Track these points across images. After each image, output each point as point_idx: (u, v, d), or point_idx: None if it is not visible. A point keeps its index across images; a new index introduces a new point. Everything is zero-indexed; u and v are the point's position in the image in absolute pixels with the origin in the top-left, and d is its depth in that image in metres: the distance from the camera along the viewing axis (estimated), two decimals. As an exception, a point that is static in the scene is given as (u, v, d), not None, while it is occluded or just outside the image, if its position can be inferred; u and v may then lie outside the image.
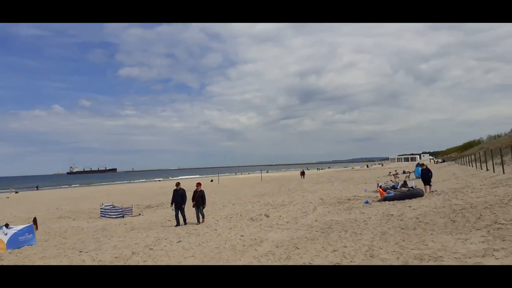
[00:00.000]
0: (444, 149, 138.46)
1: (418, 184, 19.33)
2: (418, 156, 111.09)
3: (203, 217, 13.95)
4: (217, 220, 14.04)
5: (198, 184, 14.53)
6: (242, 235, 10.42)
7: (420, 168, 20.68)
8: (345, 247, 7.74)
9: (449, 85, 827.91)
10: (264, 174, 71.51)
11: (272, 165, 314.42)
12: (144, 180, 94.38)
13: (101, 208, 19.64)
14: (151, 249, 9.60)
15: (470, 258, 5.88)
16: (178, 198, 13.79)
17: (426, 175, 17.04)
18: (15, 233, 11.28)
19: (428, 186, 16.71)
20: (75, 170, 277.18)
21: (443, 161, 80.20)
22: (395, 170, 46.61)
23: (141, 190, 43.94)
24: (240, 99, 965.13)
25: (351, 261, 6.65)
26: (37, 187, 72.91)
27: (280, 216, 13.54)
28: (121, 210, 18.58)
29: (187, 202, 14.06)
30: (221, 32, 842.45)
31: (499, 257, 5.68)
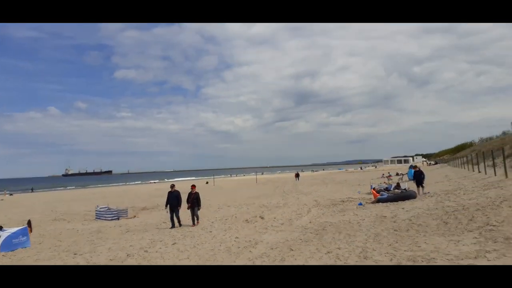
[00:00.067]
0: (437, 151, 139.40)
1: (411, 186, 19.48)
2: (411, 158, 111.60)
3: (197, 219, 13.97)
4: (212, 222, 14.06)
5: (193, 187, 14.55)
6: (237, 237, 10.45)
7: (413, 170, 20.82)
8: (339, 248, 7.81)
9: (441, 87, 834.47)
10: (259, 176, 71.47)
11: (267, 167, 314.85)
12: (139, 182, 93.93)
13: (96, 210, 19.56)
14: (146, 251, 9.59)
15: (462, 259, 5.96)
16: (173, 200, 13.80)
17: (419, 177, 17.18)
18: (9, 235, 11.20)
19: (421, 188, 16.85)
20: (70, 172, 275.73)
21: (436, 163, 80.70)
22: (389, 172, 46.81)
23: (136, 192, 43.76)
24: (235, 101, 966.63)
25: (344, 263, 6.72)
26: (32, 189, 72.21)
27: (275, 218, 13.58)
28: (116, 212, 18.51)
29: (182, 205, 14.07)
30: (216, 34, 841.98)
31: (491, 259, 5.77)
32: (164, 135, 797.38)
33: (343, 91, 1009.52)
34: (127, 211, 19.29)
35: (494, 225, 7.79)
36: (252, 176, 77.88)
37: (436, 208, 11.21)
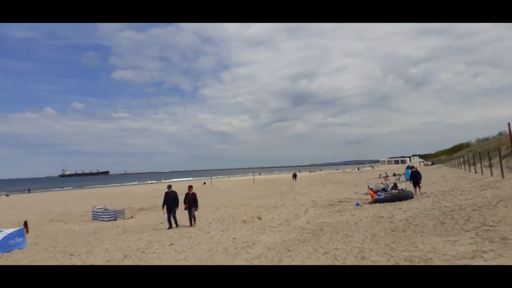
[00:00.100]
0: (434, 151, 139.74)
1: (408, 186, 19.53)
2: (408, 159, 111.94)
3: (194, 220, 13.92)
4: (210, 223, 14.03)
5: (190, 187, 14.49)
6: (235, 238, 10.44)
7: (410, 171, 20.92)
8: (336, 249, 7.82)
9: (438, 88, 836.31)
10: (257, 177, 71.51)
11: (264, 167, 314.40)
12: (136, 182, 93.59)
13: (93, 211, 19.48)
14: (143, 252, 9.56)
15: (459, 260, 5.98)
16: (170, 201, 13.75)
17: (416, 178, 17.24)
18: (5, 236, 11.13)
19: (417, 188, 16.90)
20: (67, 172, 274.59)
21: (433, 163, 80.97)
22: (386, 173, 46.96)
23: (133, 192, 43.63)
24: (232, 102, 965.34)
25: (342, 263, 6.72)
26: (28, 190, 71.87)
27: (272, 219, 13.58)
28: (113, 213, 18.44)
29: (179, 205, 14.03)
30: (214, 35, 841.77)
31: (487, 259, 5.79)
32: (162, 136, 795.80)
33: (340, 92, 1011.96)
34: (124, 212, 19.23)
35: (490, 225, 7.82)
36: (249, 177, 77.86)
37: (433, 209, 11.25)
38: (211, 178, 65.57)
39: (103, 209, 19.42)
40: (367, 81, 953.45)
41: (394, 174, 43.10)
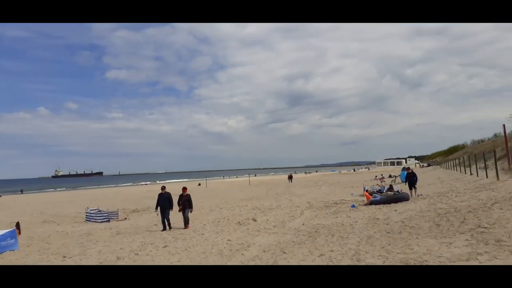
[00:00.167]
0: (429, 153, 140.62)
1: (404, 188, 19.57)
2: (404, 160, 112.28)
3: (187, 222, 13.77)
4: (204, 225, 13.95)
5: (184, 189, 14.37)
6: (229, 240, 10.37)
7: (405, 172, 20.95)
8: (332, 251, 7.78)
9: (434, 89, 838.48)
10: (252, 178, 71.41)
11: (260, 168, 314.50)
12: (130, 184, 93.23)
13: (86, 212, 19.31)
14: (136, 254, 9.48)
15: (454, 262, 5.96)
16: (164, 202, 13.63)
17: (411, 179, 17.26)
18: (-4, 238, 11.01)
19: (413, 190, 16.93)
20: (60, 173, 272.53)
21: (428, 165, 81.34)
22: (381, 174, 47.07)
23: (127, 194, 43.43)
24: (228, 102, 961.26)
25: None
26: (21, 190, 71.34)
27: (267, 220, 13.53)
28: (107, 214, 18.31)
29: (174, 207, 13.92)
30: (209, 35, 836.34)
31: (482, 261, 5.78)
32: (156, 136, 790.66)
33: (336, 92, 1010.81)
34: (117, 213, 19.09)
35: (485, 227, 7.83)
36: (245, 178, 77.76)
37: (429, 210, 11.26)
38: (206, 179, 65.44)
39: (96, 211, 19.26)
40: (363, 82, 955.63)
41: (390, 176, 43.27)
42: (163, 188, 14.18)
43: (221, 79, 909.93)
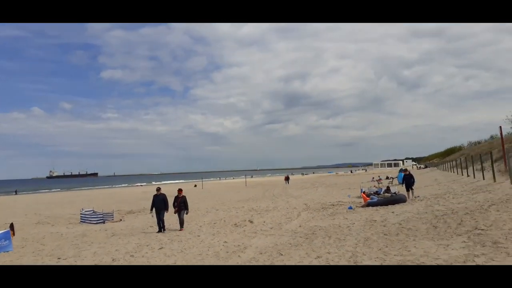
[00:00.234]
0: (426, 154, 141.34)
1: (401, 190, 19.58)
2: (401, 162, 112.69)
3: (182, 224, 13.66)
4: (200, 226, 13.88)
5: (180, 191, 14.27)
6: (226, 242, 10.31)
7: (403, 174, 20.97)
8: (329, 253, 7.74)
9: (431, 91, 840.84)
10: (249, 179, 71.38)
11: (256, 170, 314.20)
12: (126, 185, 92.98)
13: (81, 214, 19.18)
14: (132, 255, 9.41)
15: (451, 264, 5.93)
16: (159, 203, 13.53)
17: (408, 181, 17.28)
18: (-10, 239, 10.89)
19: (410, 192, 16.94)
20: (55, 174, 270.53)
21: (426, 167, 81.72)
22: (379, 176, 47.20)
23: (122, 195, 43.24)
24: (224, 103, 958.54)
25: (334, 268, 6.64)
26: (15, 191, 70.90)
27: (264, 222, 13.48)
28: (101, 215, 18.17)
29: (169, 208, 13.81)
30: (205, 35, 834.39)
31: (479, 263, 5.75)
32: (152, 137, 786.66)
33: (333, 93, 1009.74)
34: (112, 215, 18.95)
35: (482, 229, 7.81)
36: (241, 179, 77.72)
37: (426, 212, 11.24)
38: (202, 181, 65.30)
39: (91, 212, 19.13)
40: (360, 83, 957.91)
41: (387, 177, 43.36)
42: (158, 189, 14.08)
43: (217, 79, 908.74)
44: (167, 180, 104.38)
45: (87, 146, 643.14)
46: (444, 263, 6.00)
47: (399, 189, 21.02)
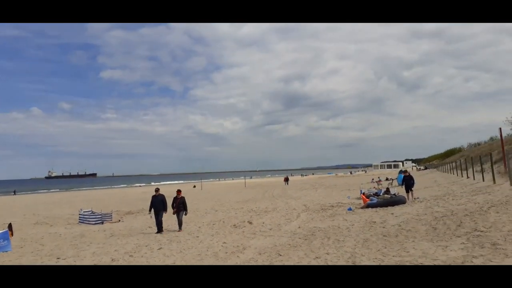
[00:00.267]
0: (426, 156, 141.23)
1: (401, 191, 19.57)
2: (401, 163, 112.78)
3: (181, 225, 13.62)
4: (199, 227, 13.86)
5: (178, 192, 14.26)
6: (225, 242, 10.30)
7: (402, 175, 20.95)
8: (328, 254, 7.73)
9: (431, 92, 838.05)
10: (248, 180, 71.35)
11: (256, 171, 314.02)
12: (125, 185, 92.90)
13: (79, 214, 19.15)
14: (131, 256, 9.40)
15: (449, 265, 5.92)
16: (158, 204, 13.50)
17: (408, 182, 17.26)
18: (-12, 239, 10.87)
19: (410, 193, 16.92)
20: (53, 174, 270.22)
21: (425, 168, 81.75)
22: (378, 177, 47.16)
23: (121, 195, 43.22)
24: (224, 103, 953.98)
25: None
26: (14, 191, 70.80)
27: (263, 223, 13.46)
28: (100, 216, 18.14)
29: (168, 210, 13.78)
30: (205, 35, 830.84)
31: (477, 264, 5.74)
32: (151, 137, 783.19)
33: (333, 94, 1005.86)
34: (111, 215, 18.94)
35: (481, 231, 7.80)
36: (241, 180, 77.71)
37: (425, 214, 11.23)
38: (201, 181, 65.27)
39: (90, 212, 19.10)
40: (360, 84, 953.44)
41: (387, 179, 43.34)
42: (157, 190, 14.08)
43: (216, 79, 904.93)
44: (166, 181, 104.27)
45: (86, 146, 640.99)
46: (442, 264, 5.99)
47: (398, 190, 21.00)
